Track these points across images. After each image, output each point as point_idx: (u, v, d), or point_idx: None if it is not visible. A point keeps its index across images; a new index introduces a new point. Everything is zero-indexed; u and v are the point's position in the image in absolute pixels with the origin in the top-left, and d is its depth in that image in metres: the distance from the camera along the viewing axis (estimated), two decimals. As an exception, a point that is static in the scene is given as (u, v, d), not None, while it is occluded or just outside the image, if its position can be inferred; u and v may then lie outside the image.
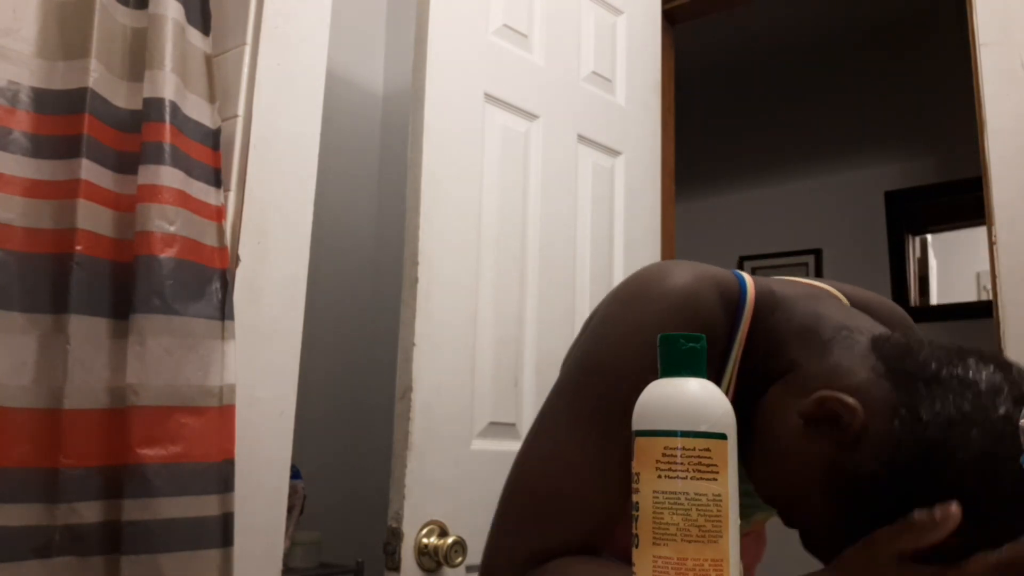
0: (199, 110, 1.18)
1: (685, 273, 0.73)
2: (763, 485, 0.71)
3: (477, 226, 1.45)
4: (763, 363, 0.73)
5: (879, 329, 0.71)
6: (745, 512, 0.76)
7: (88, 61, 1.10)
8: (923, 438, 0.58)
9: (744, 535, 0.82)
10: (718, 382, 0.72)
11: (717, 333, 0.72)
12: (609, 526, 0.70)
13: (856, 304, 0.83)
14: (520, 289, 1.51)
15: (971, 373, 0.60)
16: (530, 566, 0.69)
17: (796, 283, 0.80)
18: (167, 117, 1.11)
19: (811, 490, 0.64)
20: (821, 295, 0.78)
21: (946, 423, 0.58)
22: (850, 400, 0.62)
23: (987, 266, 1.40)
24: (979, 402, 0.58)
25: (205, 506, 1.05)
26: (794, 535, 0.70)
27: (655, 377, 0.54)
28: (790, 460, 0.66)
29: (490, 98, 1.51)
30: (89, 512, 0.99)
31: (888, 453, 0.59)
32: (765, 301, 0.75)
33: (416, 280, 1.34)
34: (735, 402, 0.71)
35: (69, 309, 1.02)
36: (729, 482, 0.50)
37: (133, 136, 1.12)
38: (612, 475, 0.68)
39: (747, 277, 0.76)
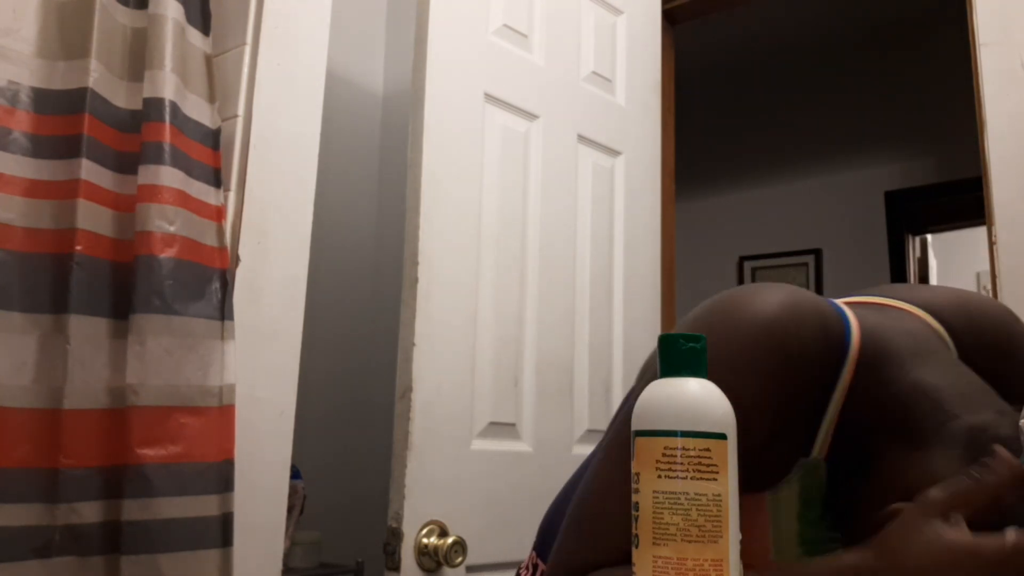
0: (199, 110, 1.18)
1: (779, 292, 0.64)
2: None
3: (477, 226, 1.45)
4: (872, 418, 0.64)
5: (984, 414, 0.62)
6: (825, 549, 0.74)
7: (88, 61, 1.10)
8: None
9: None
10: (810, 433, 0.65)
11: (818, 372, 0.63)
12: None
13: (959, 335, 0.73)
14: (520, 289, 1.51)
15: None
16: (580, 573, 0.69)
17: (896, 316, 0.70)
18: (167, 117, 1.11)
19: None
20: (930, 344, 0.68)
21: None
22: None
23: (987, 266, 1.40)
24: None
25: (205, 506, 1.05)
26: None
27: (754, 424, 0.53)
28: None
29: (490, 98, 1.51)
30: (89, 512, 0.99)
31: None
32: (872, 350, 0.65)
33: (416, 280, 1.34)
34: (828, 455, 0.66)
35: (69, 309, 1.02)
36: (729, 482, 0.50)
37: (133, 136, 1.12)
38: None
39: (847, 311, 0.67)
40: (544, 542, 0.86)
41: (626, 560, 0.67)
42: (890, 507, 0.59)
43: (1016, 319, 0.78)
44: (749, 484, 0.62)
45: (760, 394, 0.61)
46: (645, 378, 0.73)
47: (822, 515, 0.69)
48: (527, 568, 0.87)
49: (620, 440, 0.67)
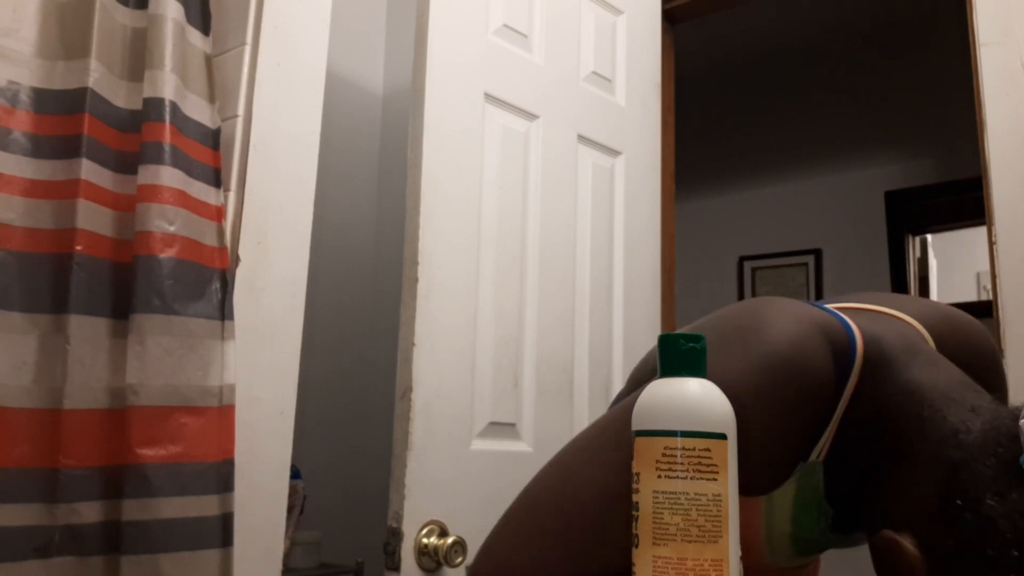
0: (199, 110, 1.18)
1: (787, 319, 0.65)
2: None
3: (477, 226, 1.45)
4: (867, 421, 0.67)
5: (963, 413, 0.64)
6: (812, 553, 0.75)
7: (88, 61, 1.10)
8: None
9: (804, 566, 0.80)
10: (812, 441, 0.66)
11: (826, 395, 0.65)
12: None
13: (943, 342, 0.76)
14: (520, 289, 1.51)
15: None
16: None
17: (886, 321, 0.73)
18: (167, 117, 1.11)
19: None
20: (918, 344, 0.71)
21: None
22: (909, 552, 0.60)
23: (987, 266, 1.40)
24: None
25: (205, 506, 1.05)
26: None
27: (764, 441, 0.56)
28: None
29: (490, 98, 1.51)
30: (89, 512, 0.99)
31: None
32: (873, 357, 0.67)
33: (416, 280, 1.34)
34: (827, 460, 0.67)
35: (69, 309, 1.02)
36: (729, 482, 0.50)
37: (133, 136, 1.12)
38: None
39: (852, 324, 0.69)
40: None
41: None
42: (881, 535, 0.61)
43: (992, 343, 0.82)
44: (747, 490, 0.63)
45: (772, 425, 0.63)
46: (634, 380, 0.73)
47: (817, 518, 0.69)
48: None
49: (614, 443, 0.65)
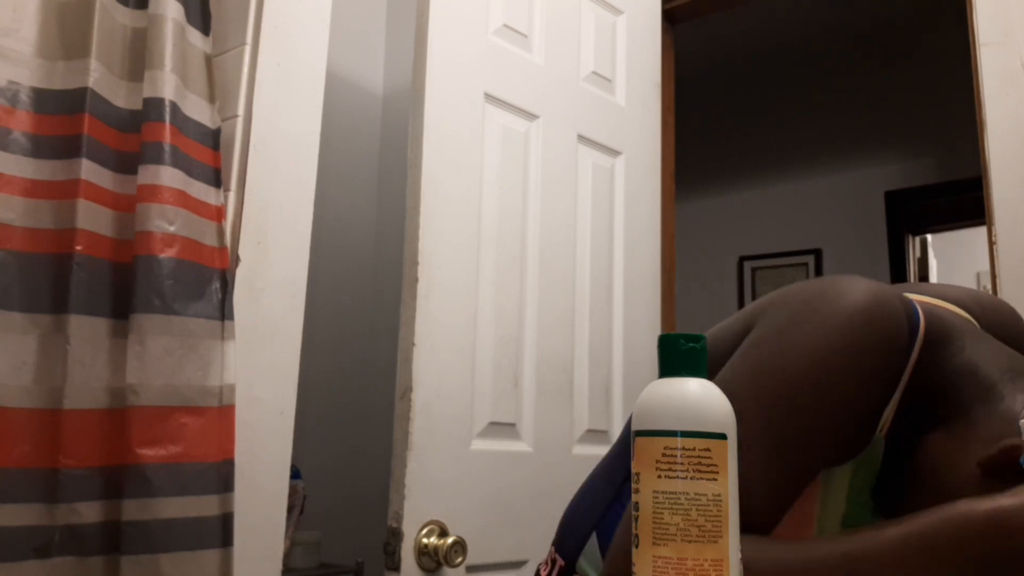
0: (199, 110, 1.18)
1: (861, 283, 0.67)
2: None
3: (477, 226, 1.45)
4: (926, 399, 0.68)
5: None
6: None
7: (88, 61, 1.10)
8: None
9: None
10: (882, 411, 0.67)
11: (900, 354, 0.66)
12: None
13: (988, 323, 0.79)
14: (520, 289, 1.51)
15: None
16: None
17: (949, 310, 0.75)
18: (167, 117, 1.11)
19: None
20: (972, 327, 0.73)
21: None
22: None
23: (987, 266, 1.40)
24: None
25: (205, 506, 1.05)
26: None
27: (851, 404, 0.58)
28: None
29: (490, 98, 1.51)
30: (89, 512, 0.99)
31: None
32: (935, 330, 0.69)
33: (416, 280, 1.34)
34: (888, 436, 0.68)
35: (69, 309, 1.02)
36: (729, 482, 0.50)
37: (133, 136, 1.12)
38: (787, 504, 0.66)
39: (915, 300, 0.71)
40: (565, 537, 0.86)
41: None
42: (1003, 444, 0.61)
43: (1017, 313, 0.84)
44: (835, 459, 0.66)
45: (862, 380, 0.64)
46: (757, 342, 0.71)
47: (869, 500, 0.71)
48: (547, 563, 0.87)
49: (757, 439, 0.66)
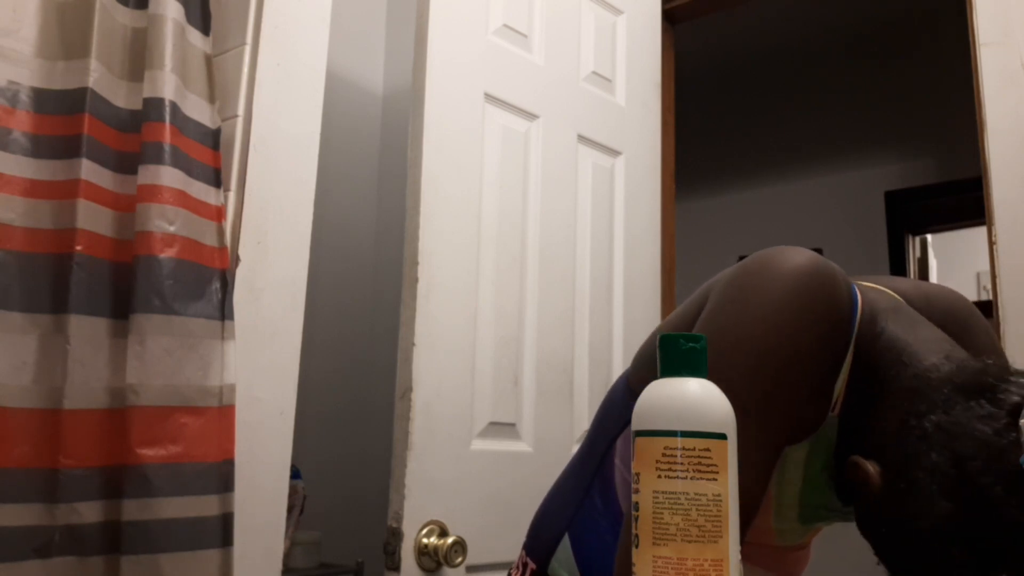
0: (199, 110, 1.18)
1: (800, 251, 0.68)
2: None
3: (477, 226, 1.45)
4: (869, 375, 0.69)
5: (948, 362, 0.67)
6: (815, 520, 0.75)
7: (88, 61, 1.10)
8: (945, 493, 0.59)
9: (800, 548, 0.80)
10: (832, 381, 0.69)
11: (845, 323, 0.67)
12: (755, 513, 0.68)
13: (930, 312, 0.80)
14: (520, 289, 1.51)
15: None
16: None
17: (882, 291, 0.77)
18: (167, 117, 1.11)
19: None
20: (896, 304, 0.74)
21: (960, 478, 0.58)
22: (868, 468, 0.64)
23: (987, 266, 1.40)
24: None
25: (205, 506, 1.05)
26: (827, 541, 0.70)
27: (805, 362, 0.60)
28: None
29: (490, 98, 1.51)
30: (89, 512, 0.99)
31: (913, 510, 0.61)
32: (867, 313, 0.71)
33: (416, 280, 1.34)
34: (841, 416, 0.70)
35: (69, 309, 1.02)
36: (729, 482, 0.50)
37: (133, 136, 1.12)
38: (762, 474, 0.67)
39: (851, 281, 0.73)
40: (535, 540, 0.85)
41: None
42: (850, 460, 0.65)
43: (972, 307, 0.86)
44: (792, 436, 0.67)
45: (809, 336, 0.65)
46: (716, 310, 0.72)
47: (827, 481, 0.72)
48: (517, 568, 0.87)
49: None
